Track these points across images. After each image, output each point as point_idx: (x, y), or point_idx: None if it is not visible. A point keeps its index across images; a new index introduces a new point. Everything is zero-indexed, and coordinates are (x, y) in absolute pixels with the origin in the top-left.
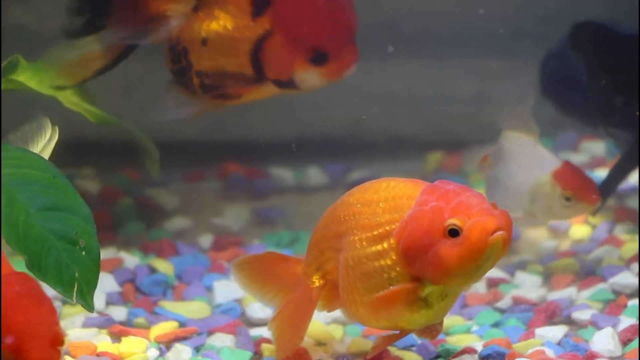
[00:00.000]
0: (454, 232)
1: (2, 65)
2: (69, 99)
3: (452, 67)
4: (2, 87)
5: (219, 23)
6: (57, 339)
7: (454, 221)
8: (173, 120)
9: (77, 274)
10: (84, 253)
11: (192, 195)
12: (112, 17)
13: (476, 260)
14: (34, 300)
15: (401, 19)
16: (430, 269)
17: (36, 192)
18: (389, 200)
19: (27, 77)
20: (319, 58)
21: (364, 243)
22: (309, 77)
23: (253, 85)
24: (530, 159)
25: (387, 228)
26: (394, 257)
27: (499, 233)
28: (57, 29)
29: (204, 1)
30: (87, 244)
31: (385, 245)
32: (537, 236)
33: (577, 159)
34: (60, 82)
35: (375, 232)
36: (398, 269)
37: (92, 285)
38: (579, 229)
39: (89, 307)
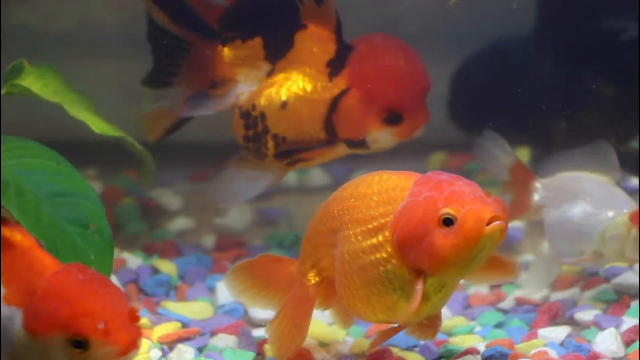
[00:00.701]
0: (448, 222)
1: (7, 69)
2: (73, 107)
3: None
4: (6, 92)
5: (298, 85)
6: (134, 315)
7: (448, 210)
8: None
9: (92, 257)
10: (96, 236)
11: (195, 195)
12: (180, 76)
13: (472, 249)
14: (101, 283)
15: (403, 19)
16: (426, 260)
17: (42, 180)
18: (382, 193)
19: (31, 82)
20: (393, 118)
21: (359, 237)
22: (382, 137)
23: (326, 147)
24: (604, 199)
25: (382, 221)
26: (389, 250)
27: (496, 223)
28: (58, 30)
29: (280, 65)
30: (99, 226)
31: (380, 238)
32: (540, 237)
33: None
34: (146, 135)
35: (369, 226)
36: (394, 261)
37: (108, 266)
38: None
39: None
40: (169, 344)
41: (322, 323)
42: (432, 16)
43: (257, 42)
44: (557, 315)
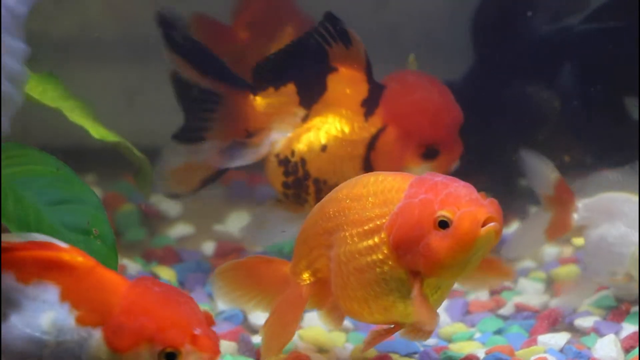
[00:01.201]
0: (444, 224)
1: None
2: (73, 113)
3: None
4: None
5: (336, 128)
6: (210, 320)
7: (443, 212)
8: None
9: None
10: (99, 242)
11: (195, 202)
12: (213, 129)
13: (467, 251)
14: (176, 292)
15: (403, 26)
16: (422, 261)
17: (42, 187)
18: (378, 194)
19: (31, 88)
20: (430, 153)
21: (355, 238)
22: (421, 172)
23: None
24: (637, 220)
25: (378, 222)
26: (385, 251)
27: (491, 224)
28: (58, 36)
29: (315, 109)
30: (101, 231)
31: (376, 239)
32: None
33: None
34: (173, 189)
35: (365, 227)
36: (390, 262)
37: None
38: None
39: None
40: None
41: (321, 329)
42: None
43: (290, 88)
44: (556, 321)
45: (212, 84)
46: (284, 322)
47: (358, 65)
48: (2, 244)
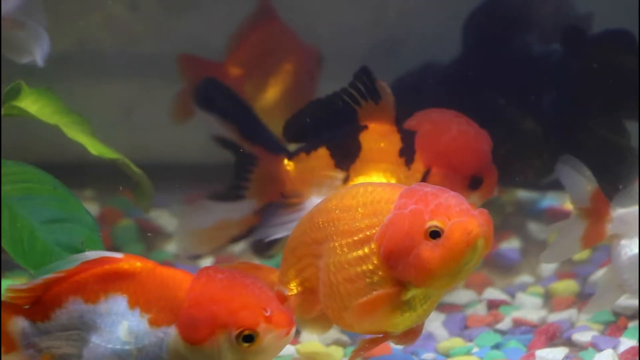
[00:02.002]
0: (434, 234)
1: (5, 90)
2: (71, 129)
3: None
4: (4, 113)
5: (383, 182)
6: (281, 296)
7: (434, 223)
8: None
9: None
10: None
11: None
12: (250, 189)
13: (458, 261)
14: (242, 275)
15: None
16: (413, 272)
17: (38, 205)
18: (368, 205)
19: (29, 104)
20: (475, 183)
21: (344, 249)
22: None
23: None
24: None
25: (368, 233)
26: (375, 262)
27: (481, 233)
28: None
29: (354, 169)
30: None
31: (366, 250)
32: (537, 258)
33: None
34: (196, 249)
35: (355, 238)
36: (380, 273)
37: None
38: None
39: None
40: None
41: (318, 343)
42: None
43: (322, 152)
44: (554, 336)
45: (249, 146)
46: None
47: (387, 118)
48: (61, 274)
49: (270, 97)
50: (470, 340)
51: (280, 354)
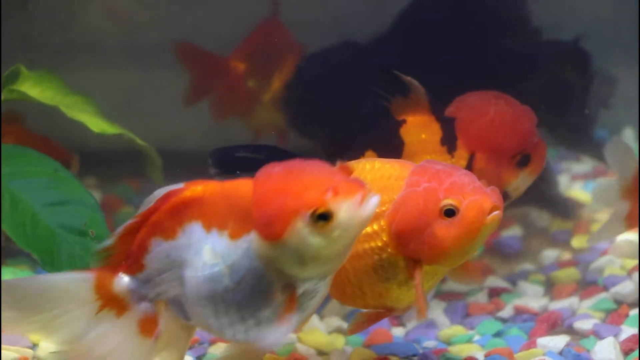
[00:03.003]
0: (449, 212)
1: (4, 75)
2: (71, 110)
3: None
4: (4, 98)
5: None
6: (344, 167)
7: (449, 201)
8: (175, 129)
9: (91, 265)
10: (95, 243)
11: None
12: None
13: (473, 239)
14: (295, 162)
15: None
16: (427, 250)
17: (39, 188)
18: (377, 181)
19: (29, 87)
20: (523, 160)
21: None
22: (521, 182)
23: None
24: None
25: (377, 210)
26: (384, 239)
27: (495, 213)
28: (58, 40)
29: None
30: (97, 232)
31: (375, 227)
32: (538, 246)
33: (579, 168)
34: None
35: None
36: (389, 249)
37: None
38: (581, 239)
39: None
40: None
41: (320, 332)
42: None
43: (370, 155)
44: (556, 324)
45: None
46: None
47: (422, 109)
48: (135, 220)
49: (274, 92)
50: (472, 328)
51: (282, 342)
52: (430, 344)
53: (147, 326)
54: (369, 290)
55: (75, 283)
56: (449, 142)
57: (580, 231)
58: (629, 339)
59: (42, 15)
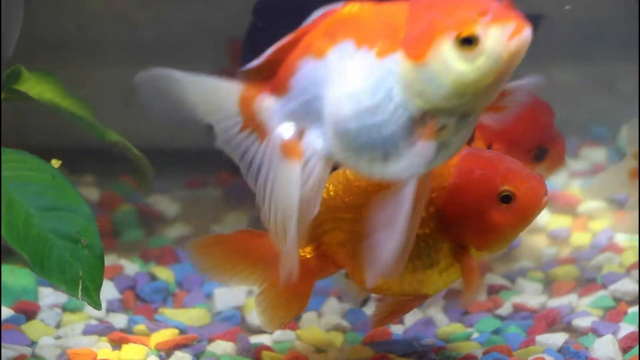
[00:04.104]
0: (506, 199)
1: (4, 74)
2: (71, 113)
3: None
4: (4, 97)
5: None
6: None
7: (506, 187)
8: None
9: (80, 272)
10: (86, 251)
11: (193, 202)
12: None
13: (527, 224)
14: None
15: None
16: (482, 236)
17: (36, 192)
18: None
19: (29, 87)
20: (540, 154)
21: None
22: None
23: None
24: None
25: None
26: (432, 225)
27: (545, 198)
28: (56, 36)
29: None
30: (90, 241)
31: (423, 214)
32: (537, 243)
33: (577, 165)
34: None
35: None
36: (437, 236)
37: (97, 282)
38: (580, 236)
39: (96, 304)
40: (166, 351)
41: (318, 329)
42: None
43: None
44: (554, 321)
45: None
46: (293, 294)
47: None
48: (288, 39)
49: None
50: (470, 325)
51: (280, 339)
52: (429, 341)
53: (290, 150)
54: (409, 277)
55: (223, 89)
56: None
57: (579, 228)
58: (627, 337)
59: (41, 10)
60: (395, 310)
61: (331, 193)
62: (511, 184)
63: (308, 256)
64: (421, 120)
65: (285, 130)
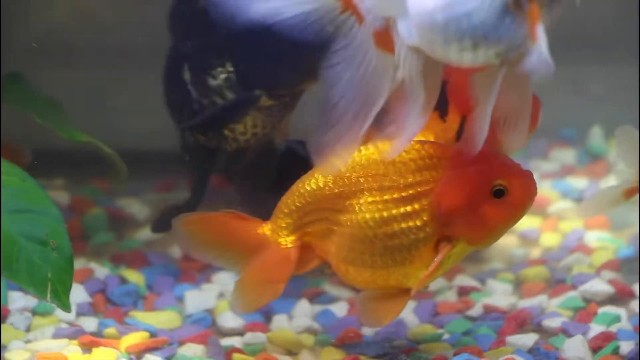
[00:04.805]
0: (499, 193)
1: None
2: (41, 114)
3: None
4: None
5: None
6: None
7: (500, 182)
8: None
9: (49, 275)
10: (55, 253)
11: (163, 205)
12: None
13: (519, 219)
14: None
15: None
16: (474, 230)
17: (4, 195)
18: (418, 160)
19: None
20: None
21: (389, 205)
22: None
23: None
24: None
25: (419, 189)
26: (425, 218)
27: (535, 193)
28: (25, 39)
29: None
30: (59, 244)
31: (416, 206)
32: (507, 244)
33: (547, 167)
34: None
35: (404, 194)
36: (427, 229)
37: (66, 285)
38: (549, 237)
39: (65, 307)
40: (137, 354)
41: (289, 332)
42: None
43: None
44: (525, 322)
45: None
46: (269, 280)
47: None
48: None
49: None
50: (441, 326)
51: (250, 342)
52: (400, 343)
53: (384, 40)
54: (395, 271)
55: None
56: (440, 106)
57: (549, 229)
58: (597, 337)
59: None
60: (388, 313)
61: (320, 184)
62: (504, 179)
63: (290, 246)
64: (514, 3)
65: (376, 20)
